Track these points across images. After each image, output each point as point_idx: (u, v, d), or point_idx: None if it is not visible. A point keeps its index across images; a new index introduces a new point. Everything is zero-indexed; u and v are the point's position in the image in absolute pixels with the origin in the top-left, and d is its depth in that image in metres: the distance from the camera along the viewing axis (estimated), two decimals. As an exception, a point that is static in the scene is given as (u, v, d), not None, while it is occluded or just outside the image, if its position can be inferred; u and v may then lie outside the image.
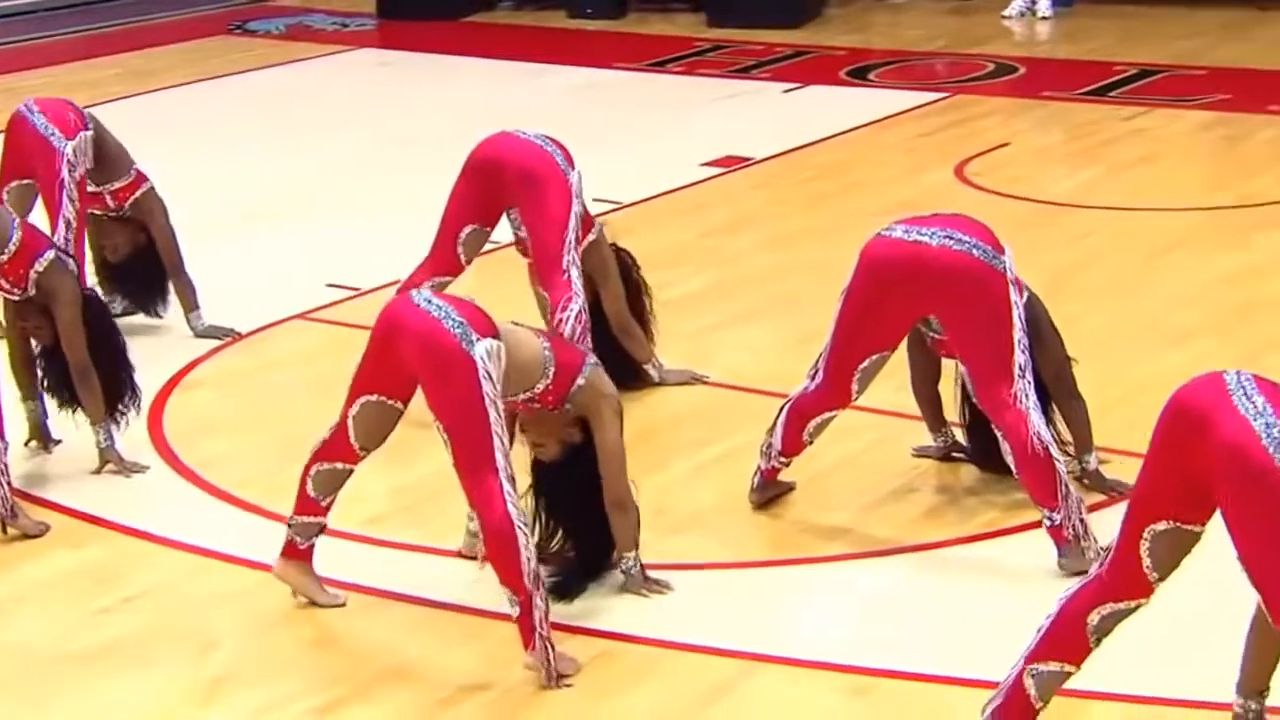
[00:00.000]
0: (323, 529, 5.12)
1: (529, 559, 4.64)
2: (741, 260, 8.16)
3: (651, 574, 5.14)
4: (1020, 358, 5.24)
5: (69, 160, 6.99)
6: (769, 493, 5.70)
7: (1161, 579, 4.01)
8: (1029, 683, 4.09)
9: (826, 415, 5.57)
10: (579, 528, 5.15)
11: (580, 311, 6.03)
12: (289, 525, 5.10)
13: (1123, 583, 4.03)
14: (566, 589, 5.09)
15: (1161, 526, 3.95)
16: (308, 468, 5.05)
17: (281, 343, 7.42)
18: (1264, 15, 13.66)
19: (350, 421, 4.99)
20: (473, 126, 10.86)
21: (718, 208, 8.98)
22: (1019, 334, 5.25)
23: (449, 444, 4.79)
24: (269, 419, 6.55)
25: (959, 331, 5.39)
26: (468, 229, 6.52)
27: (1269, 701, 4.24)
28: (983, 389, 5.32)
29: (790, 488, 5.73)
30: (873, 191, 9.33)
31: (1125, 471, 5.31)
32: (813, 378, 5.58)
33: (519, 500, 4.73)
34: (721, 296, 7.61)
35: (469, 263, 6.59)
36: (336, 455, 5.03)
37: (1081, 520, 5.16)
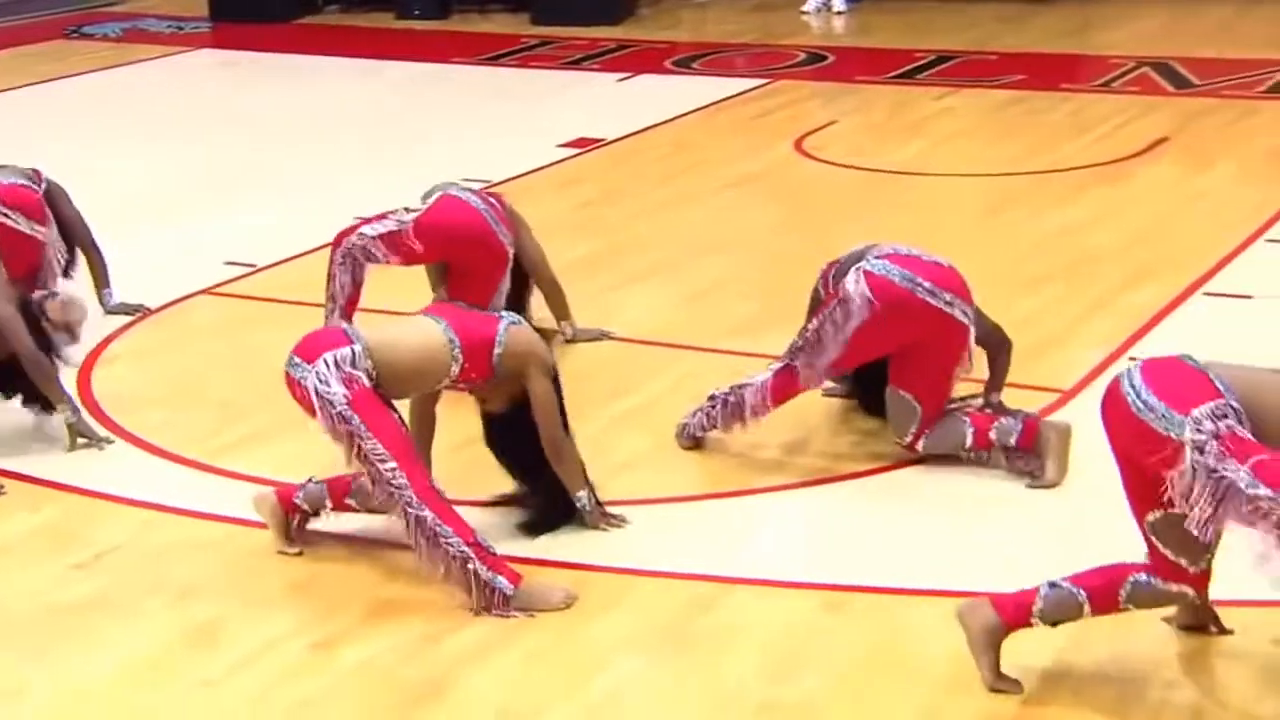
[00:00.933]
0: (319, 511, 4.99)
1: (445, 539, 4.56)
2: (617, 230, 8.07)
3: (609, 510, 5.07)
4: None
5: None
6: (699, 440, 5.63)
7: (1194, 563, 3.95)
8: (1042, 595, 4.03)
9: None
10: (531, 473, 5.03)
11: None
12: (309, 480, 4.94)
13: (1157, 566, 3.99)
14: (533, 527, 5.01)
15: (1154, 515, 3.94)
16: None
17: (191, 317, 7.17)
18: (1037, 8, 13.95)
19: None
20: (321, 119, 10.82)
21: (585, 183, 8.88)
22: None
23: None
24: (195, 388, 6.32)
25: (906, 373, 5.37)
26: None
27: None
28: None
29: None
30: (723, 165, 9.35)
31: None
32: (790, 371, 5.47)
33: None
34: (606, 263, 7.51)
35: None
36: None
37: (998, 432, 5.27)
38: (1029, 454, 5.24)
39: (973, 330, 5.32)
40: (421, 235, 6.14)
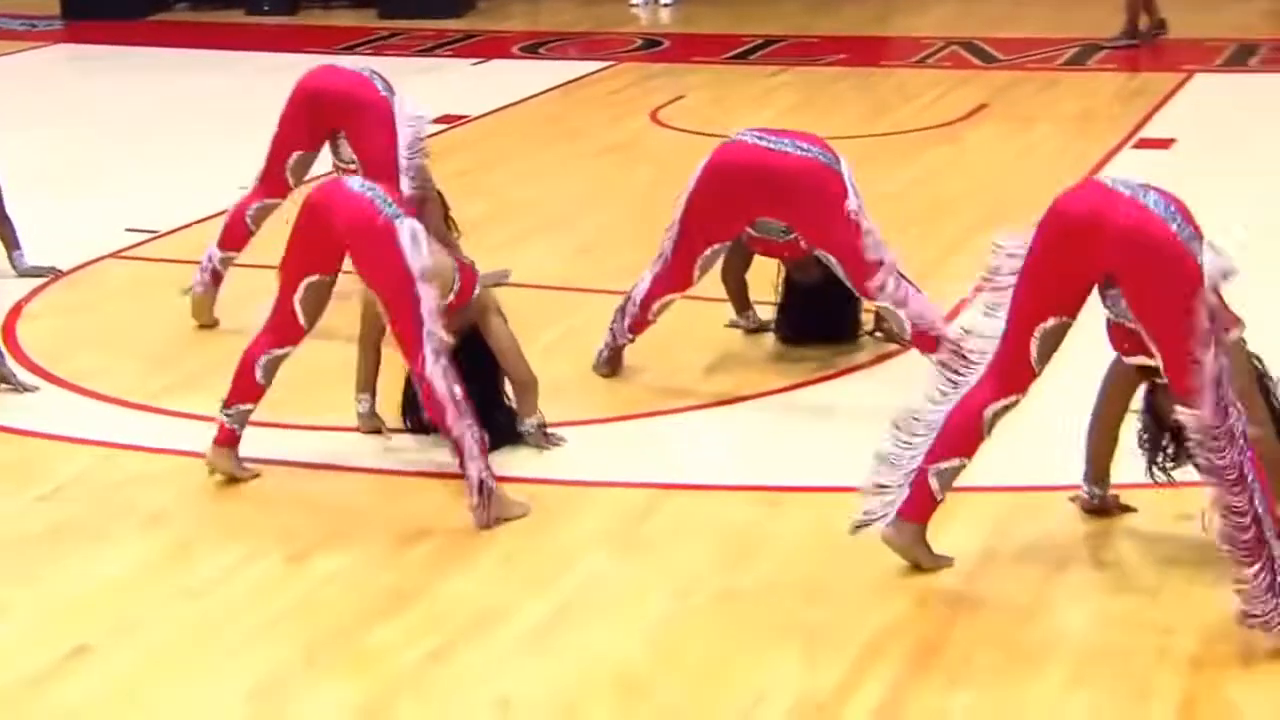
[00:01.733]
0: (251, 413, 4.89)
1: (458, 412, 4.52)
2: (499, 193, 8.00)
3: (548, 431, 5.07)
4: (873, 250, 5.25)
5: None
6: (615, 366, 5.66)
7: (1039, 373, 4.14)
8: (933, 481, 4.12)
9: (669, 298, 5.55)
10: (483, 399, 4.93)
11: None
12: (226, 414, 4.82)
13: (1012, 379, 4.13)
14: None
15: (1051, 323, 4.07)
16: (254, 357, 4.79)
17: (104, 277, 6.98)
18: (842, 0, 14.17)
19: (298, 305, 4.74)
20: (188, 104, 10.59)
21: (461, 153, 8.74)
22: (865, 228, 5.26)
23: (386, 311, 4.63)
24: (121, 340, 6.17)
25: (811, 230, 5.37)
26: (294, 155, 6.23)
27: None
28: (857, 283, 5.33)
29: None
30: (588, 136, 9.35)
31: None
32: (659, 264, 5.54)
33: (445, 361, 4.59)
34: (494, 223, 7.41)
35: (295, 186, 6.26)
36: (285, 340, 4.80)
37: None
38: None
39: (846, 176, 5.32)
40: None
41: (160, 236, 7.43)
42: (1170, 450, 4.21)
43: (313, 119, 6.23)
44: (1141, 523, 4.39)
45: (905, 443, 4.15)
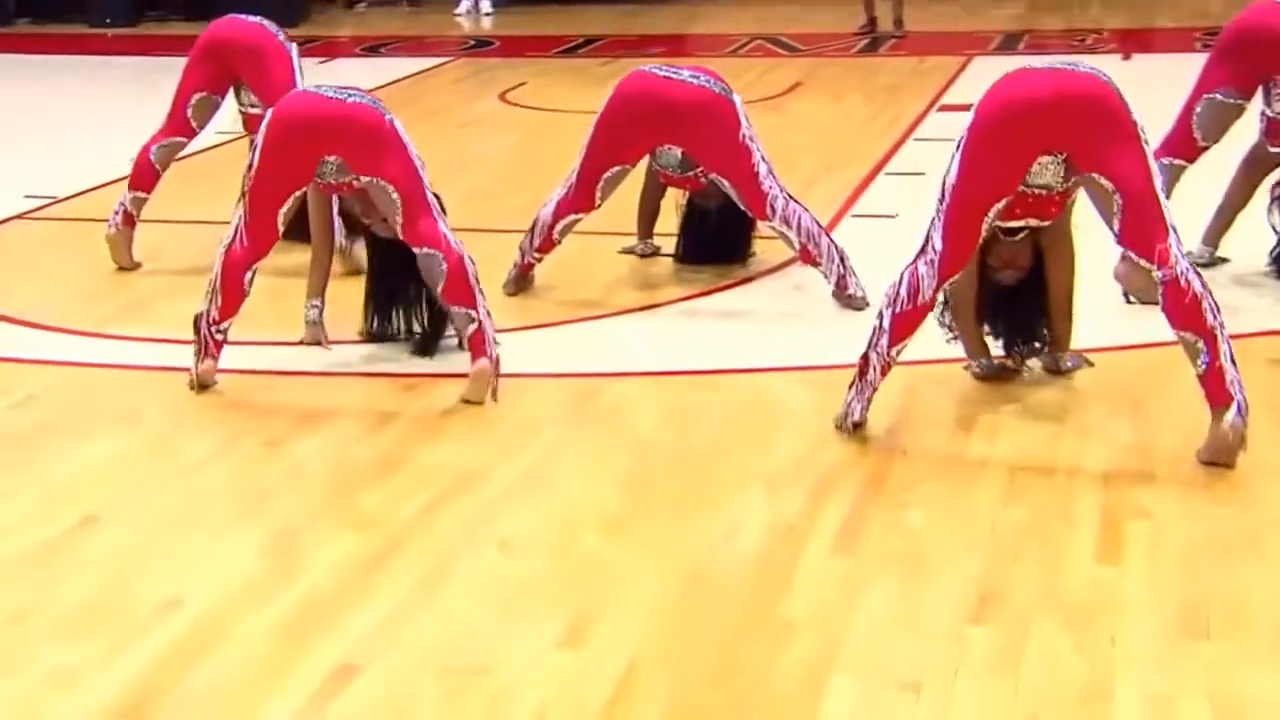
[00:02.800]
0: None
1: (477, 284, 4.60)
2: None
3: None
4: (765, 178, 5.33)
5: None
6: (523, 284, 5.68)
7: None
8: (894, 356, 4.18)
9: (574, 218, 5.55)
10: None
11: None
12: (218, 331, 4.69)
13: (957, 263, 4.15)
14: (425, 348, 4.98)
15: (999, 207, 4.09)
16: (238, 273, 4.68)
17: (15, 235, 6.78)
18: (648, 7, 14.30)
19: (280, 220, 4.68)
20: (50, 101, 10.29)
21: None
22: (757, 157, 5.34)
23: (398, 200, 4.62)
24: (52, 281, 6.04)
25: (708, 156, 5.42)
26: (197, 96, 6.14)
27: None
28: (751, 205, 5.39)
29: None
30: (447, 113, 9.36)
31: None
32: (565, 187, 5.58)
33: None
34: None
35: (199, 129, 6.23)
36: (263, 251, 4.72)
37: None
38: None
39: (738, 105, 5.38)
40: None
41: (59, 201, 7.21)
42: None
43: (217, 65, 6.17)
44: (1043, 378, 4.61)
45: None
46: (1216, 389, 3.88)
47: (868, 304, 5.15)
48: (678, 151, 5.55)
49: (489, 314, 4.63)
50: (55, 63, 12.06)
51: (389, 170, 4.67)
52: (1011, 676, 2.99)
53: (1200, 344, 3.88)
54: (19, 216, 6.98)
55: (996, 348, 4.57)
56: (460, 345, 4.75)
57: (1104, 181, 4.01)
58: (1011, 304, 4.46)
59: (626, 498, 3.94)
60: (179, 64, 6.29)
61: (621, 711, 2.95)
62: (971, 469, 4.01)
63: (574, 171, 5.54)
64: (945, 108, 8.90)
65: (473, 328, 4.58)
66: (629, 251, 6.03)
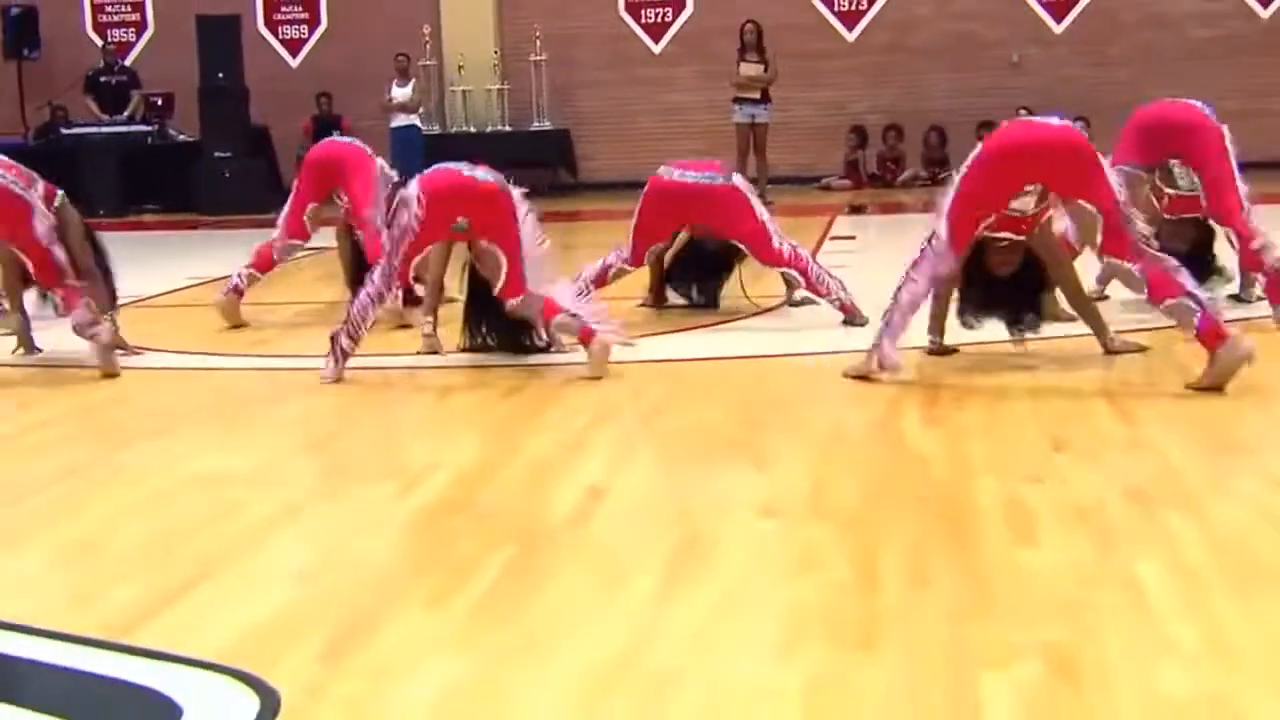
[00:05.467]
0: None
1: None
2: None
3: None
4: (776, 239, 5.87)
5: None
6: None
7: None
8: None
9: (621, 269, 6.07)
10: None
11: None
12: (352, 344, 4.96)
13: (956, 250, 4.61)
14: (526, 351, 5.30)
15: (991, 219, 4.64)
16: (376, 306, 5.02)
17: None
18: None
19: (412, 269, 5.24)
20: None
21: None
22: (771, 226, 5.91)
23: (508, 254, 5.02)
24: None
25: (731, 230, 5.96)
26: (311, 207, 6.58)
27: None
28: (767, 258, 5.91)
29: None
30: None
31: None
32: (618, 252, 6.08)
33: None
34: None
35: (313, 233, 6.66)
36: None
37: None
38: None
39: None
40: None
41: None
42: None
43: (321, 178, 6.61)
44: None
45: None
46: (1209, 331, 4.32)
47: (867, 320, 5.56)
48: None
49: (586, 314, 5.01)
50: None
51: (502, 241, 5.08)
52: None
53: (1188, 303, 4.34)
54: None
55: (1000, 331, 4.94)
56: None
57: (1088, 206, 4.58)
58: (1012, 291, 4.89)
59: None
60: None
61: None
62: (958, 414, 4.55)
63: (625, 246, 6.06)
64: (835, 238, 9.55)
65: (576, 322, 4.99)
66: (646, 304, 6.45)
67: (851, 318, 5.77)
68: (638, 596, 2.74)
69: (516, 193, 5.20)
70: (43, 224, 5.31)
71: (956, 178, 4.74)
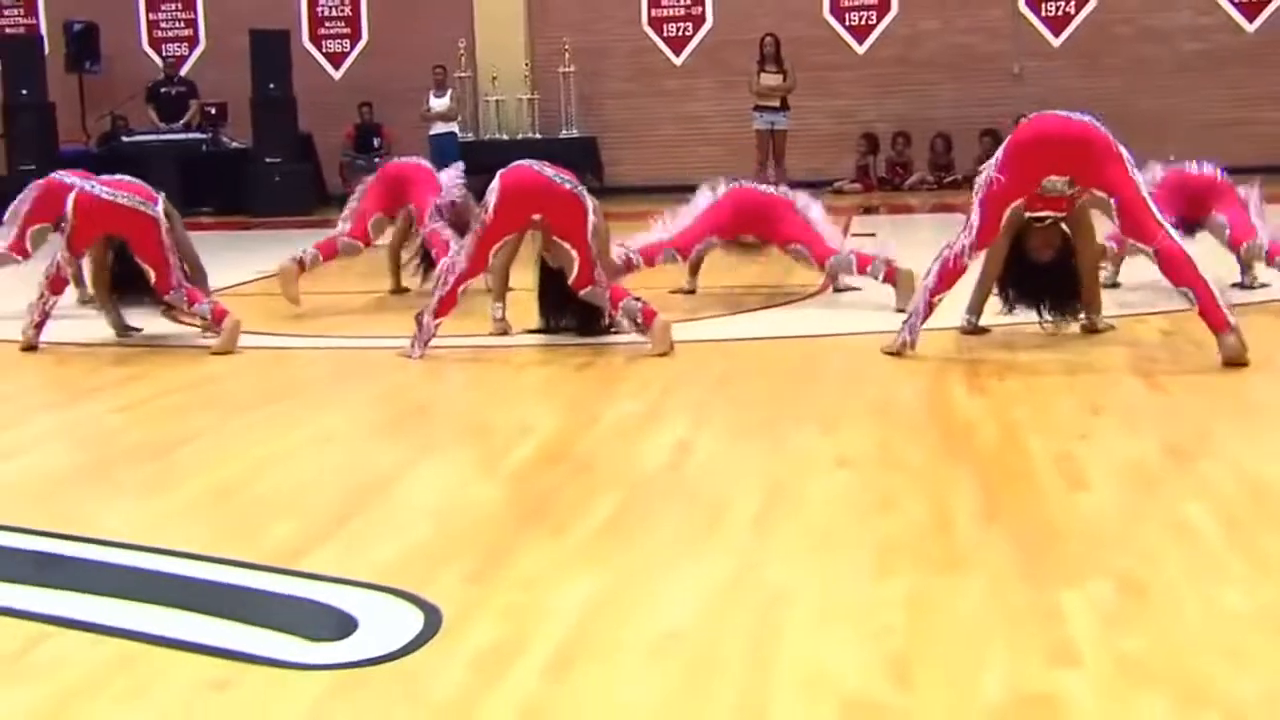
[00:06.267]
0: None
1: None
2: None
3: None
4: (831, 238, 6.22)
5: None
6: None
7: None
8: (935, 301, 4.84)
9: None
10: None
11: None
12: (434, 323, 5.12)
13: (986, 238, 4.82)
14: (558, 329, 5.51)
15: (1017, 203, 4.81)
16: (459, 286, 5.17)
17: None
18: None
19: (490, 255, 5.31)
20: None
21: None
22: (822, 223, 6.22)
23: (576, 260, 5.18)
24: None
25: (787, 235, 6.17)
26: (375, 216, 6.81)
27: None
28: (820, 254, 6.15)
29: None
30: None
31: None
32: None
33: None
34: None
35: (375, 240, 6.90)
36: (476, 275, 5.27)
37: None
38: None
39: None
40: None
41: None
42: None
43: (392, 192, 6.84)
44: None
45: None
46: (1214, 317, 4.51)
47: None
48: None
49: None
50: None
51: (572, 237, 5.26)
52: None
53: (1193, 292, 4.54)
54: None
55: (1031, 315, 5.10)
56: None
57: (1099, 193, 4.77)
58: (1045, 281, 5.06)
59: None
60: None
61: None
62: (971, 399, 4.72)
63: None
64: (856, 235, 9.69)
65: (639, 305, 5.15)
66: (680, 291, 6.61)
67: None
68: (739, 531, 2.92)
69: (586, 194, 5.37)
70: (167, 238, 5.56)
71: (989, 168, 4.93)
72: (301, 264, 6.64)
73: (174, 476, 3.51)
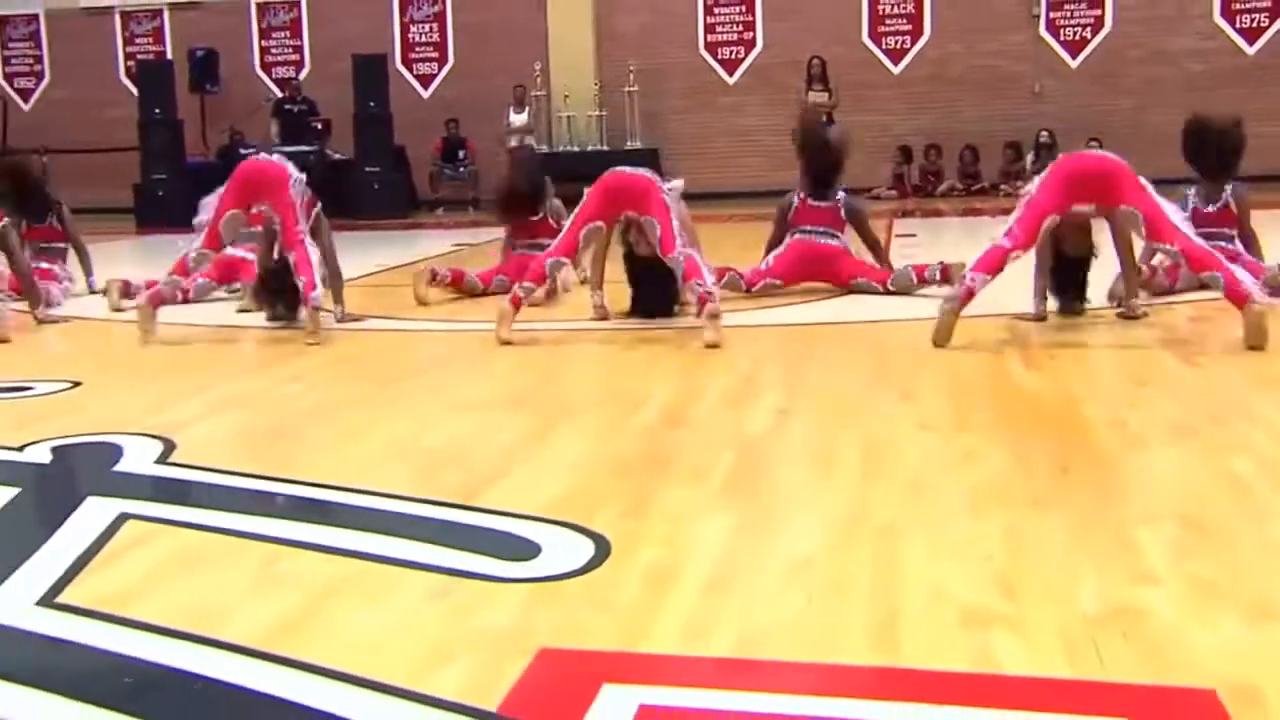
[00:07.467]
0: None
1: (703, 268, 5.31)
2: None
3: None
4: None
5: None
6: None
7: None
8: (973, 284, 4.91)
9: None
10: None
11: None
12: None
13: (1025, 242, 4.96)
14: (650, 313, 5.68)
15: (1055, 217, 4.97)
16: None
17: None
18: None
19: (581, 239, 5.54)
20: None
21: None
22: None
23: (660, 228, 5.36)
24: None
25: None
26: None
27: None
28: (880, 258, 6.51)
29: None
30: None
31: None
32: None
33: None
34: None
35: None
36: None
37: None
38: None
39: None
40: None
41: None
42: None
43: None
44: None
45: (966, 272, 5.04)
46: (1236, 295, 4.64)
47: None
48: None
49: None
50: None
51: (656, 213, 5.48)
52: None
53: (1219, 276, 4.67)
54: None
55: (1063, 303, 5.29)
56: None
57: (1127, 209, 4.92)
58: (1073, 274, 5.26)
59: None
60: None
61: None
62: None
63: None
64: (899, 236, 9.87)
65: (701, 288, 5.24)
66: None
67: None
68: (847, 481, 3.07)
69: (660, 180, 5.65)
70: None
71: (1032, 189, 5.12)
72: (435, 275, 6.80)
73: (355, 433, 3.70)
